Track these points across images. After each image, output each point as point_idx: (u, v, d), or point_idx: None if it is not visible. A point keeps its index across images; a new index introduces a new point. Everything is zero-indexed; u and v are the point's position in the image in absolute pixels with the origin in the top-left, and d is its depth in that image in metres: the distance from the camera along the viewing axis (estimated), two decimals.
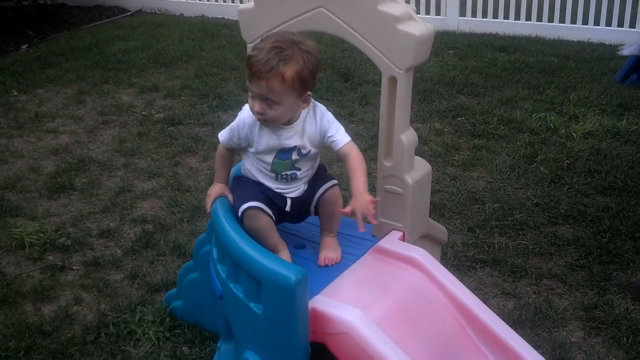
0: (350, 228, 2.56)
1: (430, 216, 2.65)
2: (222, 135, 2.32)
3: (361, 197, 2.13)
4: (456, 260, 3.17)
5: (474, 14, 8.58)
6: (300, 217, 2.42)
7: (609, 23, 7.96)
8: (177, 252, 3.22)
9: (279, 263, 1.90)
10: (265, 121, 2.15)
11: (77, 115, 5.24)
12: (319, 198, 2.33)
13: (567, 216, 3.62)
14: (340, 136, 2.29)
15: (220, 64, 6.56)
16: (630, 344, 2.62)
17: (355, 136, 4.73)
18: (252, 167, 2.32)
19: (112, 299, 2.90)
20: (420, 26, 2.21)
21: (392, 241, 2.40)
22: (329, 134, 2.28)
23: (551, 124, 5.00)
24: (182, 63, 6.68)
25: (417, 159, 2.51)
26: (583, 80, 6.25)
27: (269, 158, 2.25)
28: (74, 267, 3.15)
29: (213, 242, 2.31)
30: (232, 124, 2.26)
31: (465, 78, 6.22)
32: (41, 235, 3.39)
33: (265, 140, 2.21)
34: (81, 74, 6.32)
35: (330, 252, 2.34)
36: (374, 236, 2.49)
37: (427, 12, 8.61)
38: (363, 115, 5.17)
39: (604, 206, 3.72)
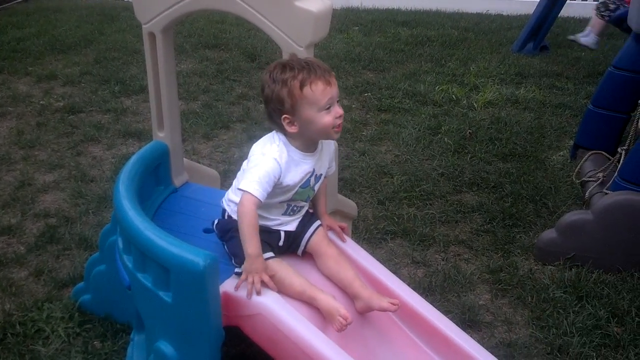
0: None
1: (341, 192, 2.68)
2: (256, 190, 1.95)
3: (330, 218, 2.31)
4: (368, 233, 3.23)
5: None
6: (287, 251, 2.22)
7: None
8: (83, 245, 3.11)
9: (187, 249, 1.86)
10: (339, 128, 2.04)
11: None
12: (308, 241, 2.18)
13: (471, 184, 3.75)
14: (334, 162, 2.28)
15: (121, 47, 6.35)
16: (535, 302, 2.75)
17: (264, 116, 4.73)
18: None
19: (17, 298, 2.78)
20: (318, 2, 2.21)
21: None
22: (331, 164, 2.24)
23: (453, 96, 5.14)
24: (80, 49, 6.43)
25: None
26: (482, 51, 6.46)
27: (296, 187, 2.08)
28: None
29: (118, 232, 2.24)
30: (262, 174, 1.96)
31: (370, 54, 6.29)
32: None
33: (300, 170, 2.05)
34: None
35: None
36: None
37: None
38: None
39: (505, 172, 3.87)
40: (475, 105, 4.98)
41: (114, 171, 3.82)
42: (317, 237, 2.19)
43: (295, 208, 2.15)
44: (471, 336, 2.16)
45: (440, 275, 2.91)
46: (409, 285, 2.25)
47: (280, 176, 2.00)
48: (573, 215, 3.07)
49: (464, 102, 5.06)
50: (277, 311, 1.93)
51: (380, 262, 2.27)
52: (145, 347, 2.16)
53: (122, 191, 2.22)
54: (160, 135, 2.62)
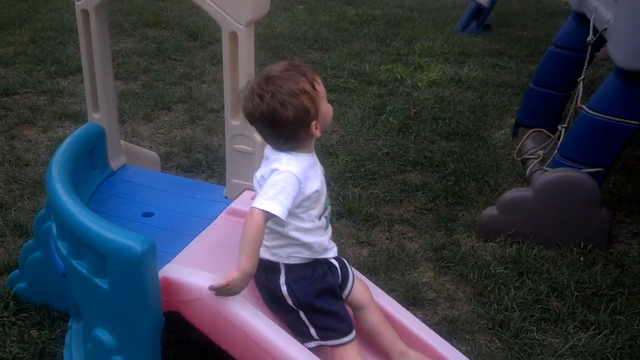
0: (202, 191, 2.51)
1: None
2: (271, 206, 1.79)
3: None
4: None
5: None
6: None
7: None
8: (18, 231, 3.00)
9: (122, 234, 1.80)
10: None
11: None
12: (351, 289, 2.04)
13: (415, 163, 3.77)
14: None
15: (57, 27, 6.14)
16: (477, 278, 2.79)
17: (207, 97, 4.67)
18: (301, 228, 1.92)
19: None
20: None
21: (244, 201, 2.37)
22: None
23: (398, 75, 5.15)
24: (15, 28, 6.18)
25: None
26: (427, 30, 6.48)
27: (324, 192, 1.95)
28: None
29: (52, 218, 2.16)
30: (278, 189, 1.81)
31: (315, 33, 6.24)
32: None
33: (317, 172, 1.93)
34: None
35: None
36: (226, 197, 2.44)
37: None
38: (215, 75, 5.05)
39: (448, 151, 3.90)
40: (420, 85, 5.00)
41: (50, 155, 3.65)
42: (361, 287, 2.07)
43: (328, 218, 2.00)
44: (414, 314, 2.18)
45: (385, 254, 2.91)
46: (353, 265, 2.25)
47: (299, 188, 1.84)
48: (513, 193, 3.11)
49: (409, 81, 5.08)
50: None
51: None
52: (83, 335, 2.09)
53: (55, 175, 2.15)
54: (96, 117, 2.54)
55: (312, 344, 1.92)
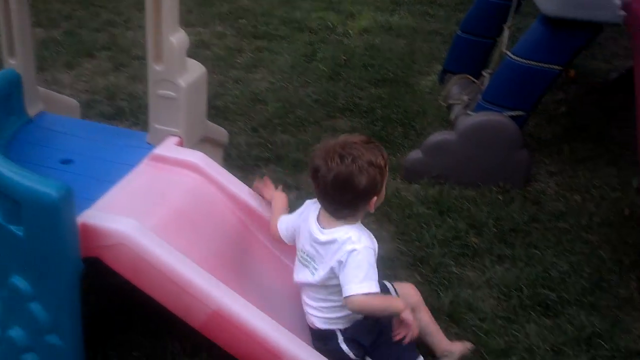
0: (123, 137, 2.48)
1: (213, 120, 2.64)
2: (372, 287, 1.87)
3: None
4: (241, 160, 3.21)
5: None
6: None
7: None
8: None
9: (37, 180, 1.77)
10: None
11: None
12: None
13: (344, 109, 3.80)
14: None
15: None
16: (400, 218, 2.87)
17: (132, 44, 4.55)
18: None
19: None
20: None
21: (168, 147, 2.36)
22: None
23: (329, 23, 5.12)
24: None
25: (191, 61, 2.45)
26: None
27: None
28: None
29: None
30: (367, 268, 1.87)
31: None
32: None
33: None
34: None
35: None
36: (149, 144, 2.42)
37: None
38: (140, 22, 4.89)
39: (377, 97, 3.94)
40: (351, 33, 4.99)
41: None
42: (410, 290, 2.18)
43: None
44: None
45: (311, 197, 2.94)
46: None
47: (375, 255, 1.95)
48: (438, 136, 3.18)
49: (340, 29, 5.06)
50: (139, 240, 1.90)
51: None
52: None
53: None
54: (12, 63, 2.46)
55: None
